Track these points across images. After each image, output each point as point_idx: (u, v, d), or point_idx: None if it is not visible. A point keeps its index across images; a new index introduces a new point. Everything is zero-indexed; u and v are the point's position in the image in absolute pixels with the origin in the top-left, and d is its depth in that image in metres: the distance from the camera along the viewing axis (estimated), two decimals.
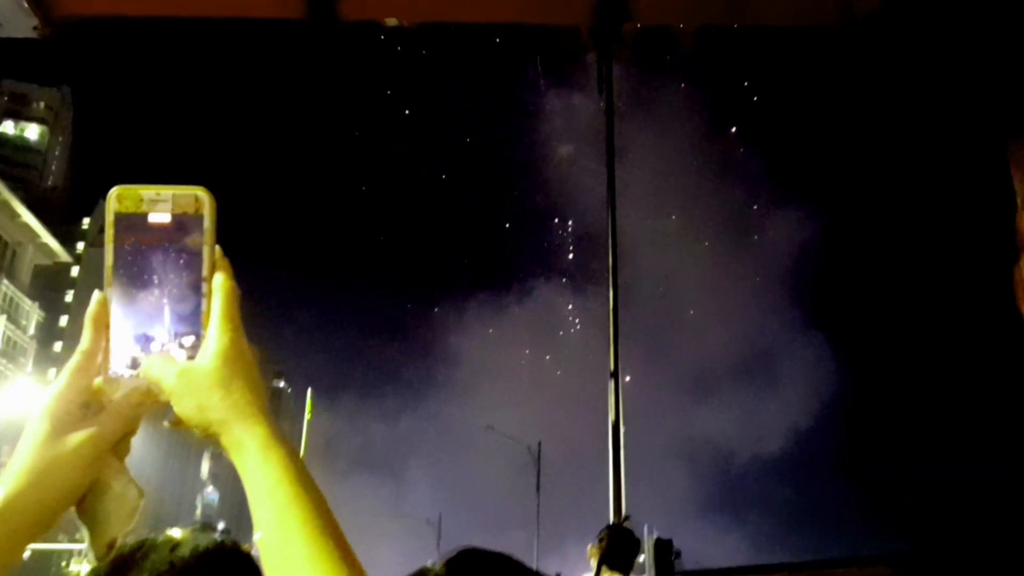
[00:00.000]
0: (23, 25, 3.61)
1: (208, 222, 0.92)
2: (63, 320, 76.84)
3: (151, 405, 0.92)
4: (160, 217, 0.92)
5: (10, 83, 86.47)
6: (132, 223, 0.92)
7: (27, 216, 58.02)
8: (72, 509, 0.92)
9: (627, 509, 6.72)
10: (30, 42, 3.74)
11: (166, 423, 0.92)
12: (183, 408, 0.89)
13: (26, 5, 3.54)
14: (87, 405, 0.91)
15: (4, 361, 57.44)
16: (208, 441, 0.90)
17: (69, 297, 78.63)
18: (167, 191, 0.93)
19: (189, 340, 0.92)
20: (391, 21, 4.59)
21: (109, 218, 0.92)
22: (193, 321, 0.92)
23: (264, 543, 0.86)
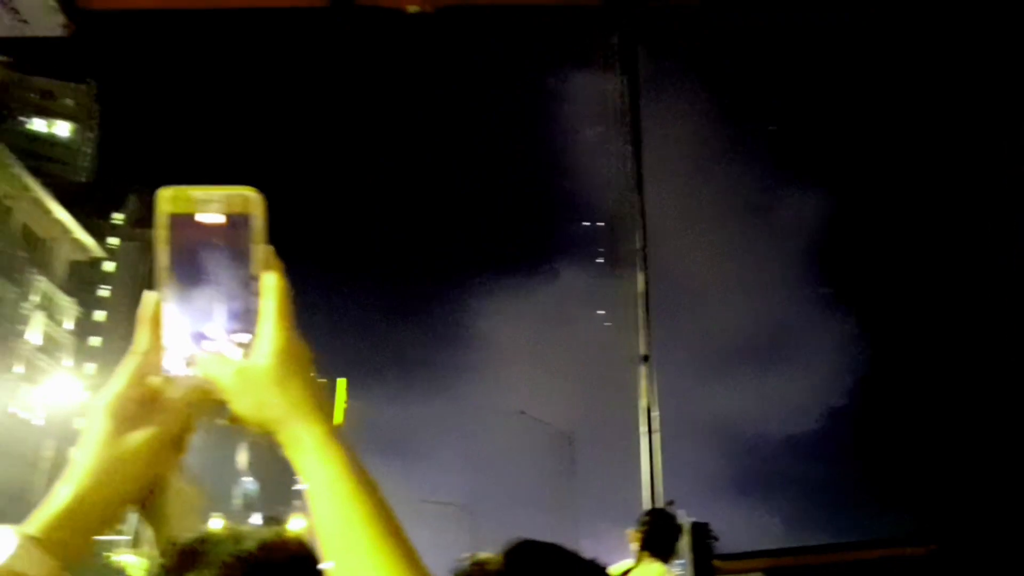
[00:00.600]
0: (51, 23, 3.65)
1: (258, 221, 0.93)
2: (99, 314, 77.91)
3: (208, 403, 0.93)
4: (211, 217, 0.93)
5: (39, 80, 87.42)
6: (183, 224, 0.92)
7: (59, 212, 58.78)
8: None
9: (662, 491, 6.70)
10: (57, 38, 3.78)
11: (221, 421, 0.94)
12: (240, 406, 0.91)
13: (54, 4, 3.57)
14: (146, 404, 0.93)
15: (44, 356, 58.36)
16: (265, 439, 0.92)
17: (103, 291, 79.69)
18: (217, 192, 0.94)
19: (243, 339, 0.93)
20: (412, 8, 4.59)
21: (161, 219, 0.92)
22: (246, 320, 0.93)
23: (326, 538, 0.86)
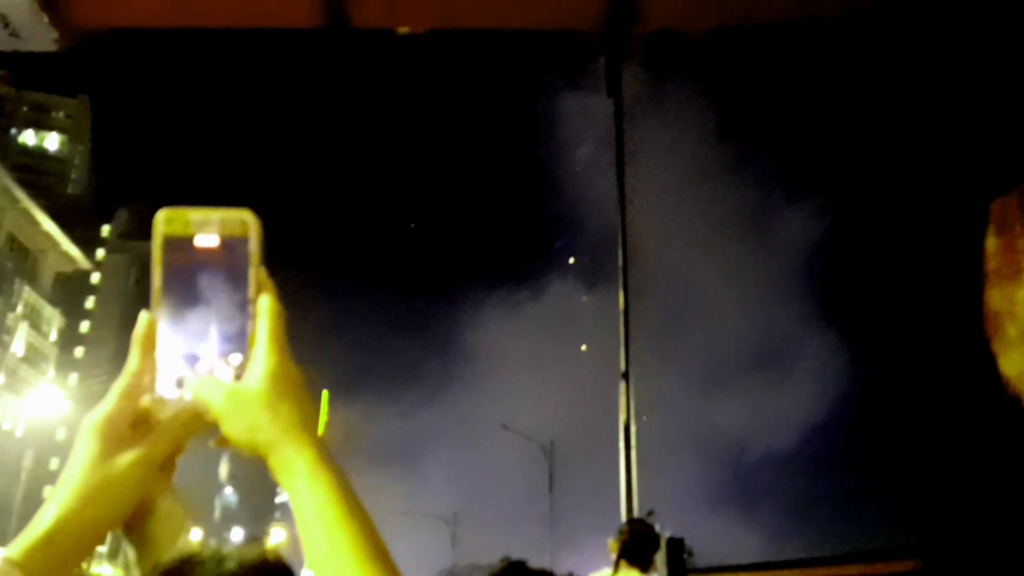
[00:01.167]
0: (43, 39, 3.67)
1: (254, 244, 0.94)
2: (84, 326, 77.40)
3: (199, 425, 0.93)
4: (207, 240, 0.93)
5: (31, 93, 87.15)
6: (179, 245, 0.93)
7: (48, 224, 58.45)
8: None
9: (639, 505, 6.75)
10: (50, 53, 3.81)
11: (212, 443, 0.94)
12: (231, 429, 0.90)
13: (46, 19, 3.61)
14: (136, 425, 0.92)
15: (26, 367, 57.88)
16: (253, 459, 0.91)
17: (89, 303, 79.21)
18: (214, 214, 0.94)
19: (236, 361, 0.92)
20: (403, 29, 4.65)
21: (157, 241, 0.93)
22: (240, 342, 0.93)
23: (314, 564, 0.87)
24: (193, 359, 0.93)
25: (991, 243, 0.56)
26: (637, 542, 4.90)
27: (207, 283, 0.93)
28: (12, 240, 55.67)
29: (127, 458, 0.90)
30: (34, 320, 59.90)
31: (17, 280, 55.93)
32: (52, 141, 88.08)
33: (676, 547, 6.32)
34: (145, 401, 0.92)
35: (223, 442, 0.92)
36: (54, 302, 63.20)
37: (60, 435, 56.74)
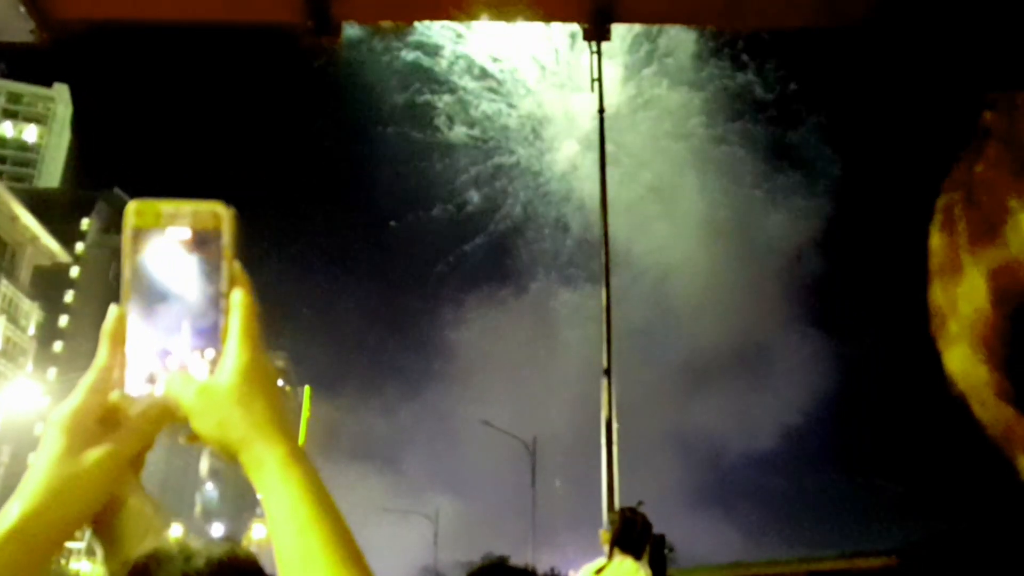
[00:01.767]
0: (21, 31, 3.65)
1: (227, 237, 0.91)
2: (63, 320, 76.79)
3: (169, 421, 0.90)
4: (179, 232, 0.91)
5: (8, 84, 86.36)
6: (151, 238, 0.90)
7: (26, 217, 57.97)
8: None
9: (620, 502, 6.79)
10: (28, 44, 3.78)
11: (182, 439, 0.91)
12: (202, 425, 0.88)
13: (23, 11, 3.58)
14: (104, 421, 0.89)
15: (4, 361, 57.40)
16: (226, 458, 0.89)
17: (68, 297, 78.61)
18: (186, 206, 0.92)
19: (208, 356, 0.90)
20: (387, 24, 4.65)
21: (127, 232, 0.90)
22: (212, 337, 0.90)
23: (283, 561, 0.85)
24: (164, 354, 0.90)
25: (935, 240, 0.56)
26: (629, 530, 4.90)
27: (179, 276, 0.90)
28: None
29: (94, 454, 0.88)
30: (12, 314, 59.41)
31: None
32: (31, 133, 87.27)
33: (657, 544, 6.35)
34: (114, 396, 0.90)
35: (193, 438, 0.89)
36: (33, 296, 62.73)
37: (38, 430, 56.24)
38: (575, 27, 5.27)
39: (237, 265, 0.92)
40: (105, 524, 0.93)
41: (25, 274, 61.22)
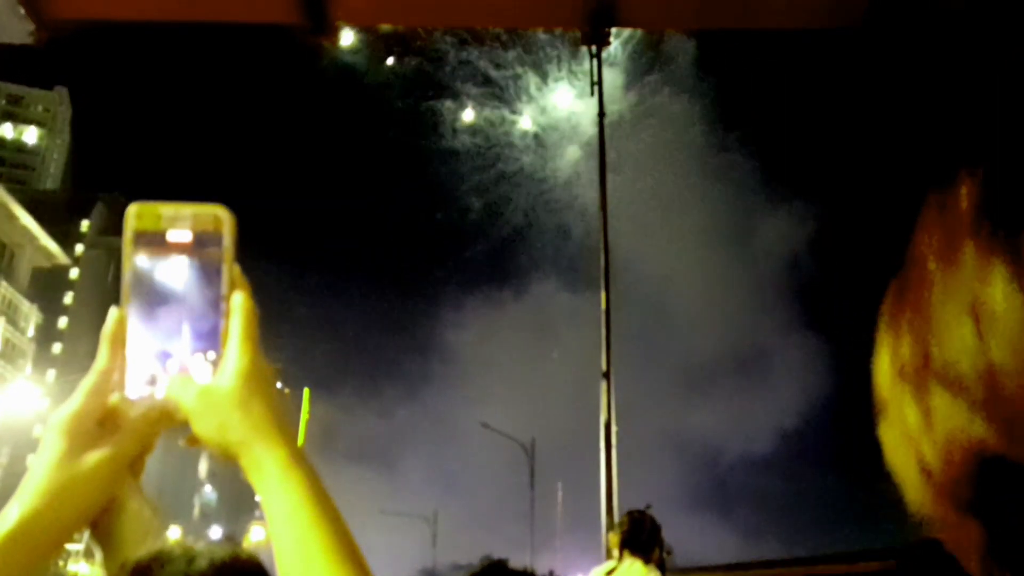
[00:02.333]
0: (19, 31, 3.65)
1: (227, 240, 0.91)
2: (62, 322, 76.79)
3: (169, 423, 0.90)
4: (179, 235, 0.91)
5: (8, 86, 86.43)
6: (151, 240, 0.91)
7: (25, 218, 57.98)
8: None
9: (619, 505, 6.78)
10: (27, 46, 3.78)
11: (182, 442, 0.91)
12: (202, 428, 0.88)
13: (22, 11, 3.58)
14: (103, 423, 0.89)
15: (3, 363, 57.39)
16: (226, 461, 0.89)
17: (67, 299, 78.60)
18: (187, 209, 0.92)
19: (208, 359, 0.90)
20: (385, 27, 4.63)
21: (128, 235, 0.90)
22: (211, 340, 0.91)
23: (283, 564, 0.85)
24: (164, 356, 0.90)
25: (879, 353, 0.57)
26: (638, 531, 4.88)
27: (179, 279, 0.91)
28: None
29: (94, 457, 0.88)
30: (11, 316, 59.41)
31: None
32: (30, 135, 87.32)
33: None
34: (114, 399, 0.90)
35: (193, 441, 0.89)
36: (31, 298, 62.72)
37: (37, 432, 56.25)
38: (575, 31, 5.25)
39: (237, 268, 0.92)
40: (104, 526, 0.93)
41: (24, 276, 61.21)
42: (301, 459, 0.89)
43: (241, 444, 0.88)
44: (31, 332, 63.41)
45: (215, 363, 0.90)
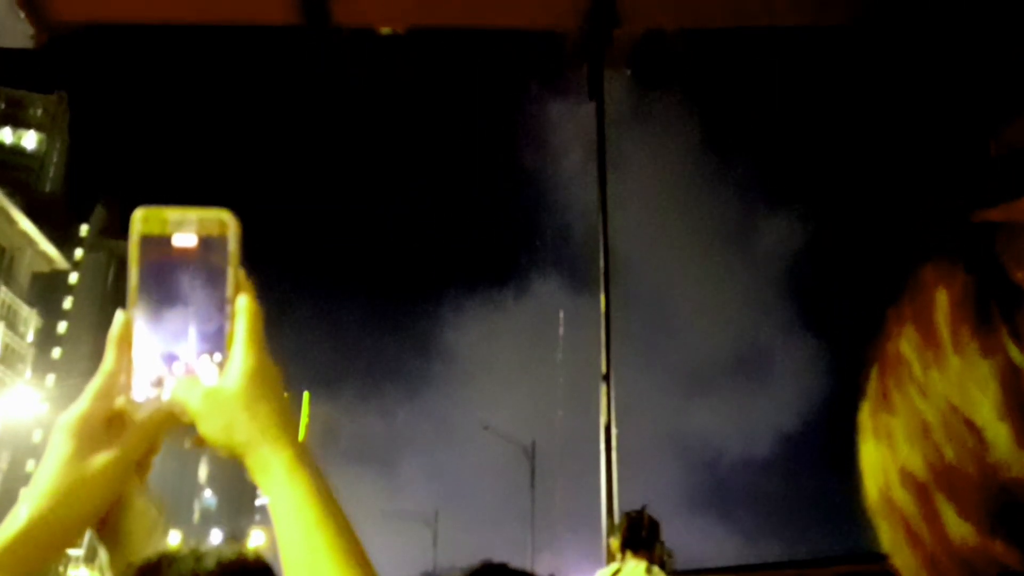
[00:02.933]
0: (18, 34, 3.64)
1: (233, 244, 0.93)
2: (61, 326, 76.79)
3: (175, 425, 0.92)
4: (185, 239, 0.92)
5: (7, 90, 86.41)
6: (157, 244, 0.92)
7: (24, 223, 57.98)
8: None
9: (619, 507, 6.78)
10: (26, 49, 3.77)
11: (188, 443, 0.92)
12: (208, 429, 0.89)
13: (21, 14, 3.57)
14: (110, 425, 0.91)
15: (2, 367, 57.36)
16: (231, 460, 0.90)
17: (67, 303, 78.60)
18: (192, 213, 0.93)
19: (214, 361, 0.91)
20: (385, 28, 4.64)
21: (134, 239, 0.91)
22: (217, 342, 0.92)
23: (290, 564, 0.86)
24: (170, 359, 0.92)
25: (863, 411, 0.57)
26: (636, 530, 4.87)
27: (184, 282, 0.92)
28: None
29: (101, 458, 0.89)
30: (10, 320, 59.40)
31: None
32: (29, 139, 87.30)
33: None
34: (120, 401, 0.91)
35: (199, 442, 0.90)
36: (31, 302, 62.71)
37: (36, 437, 56.25)
38: (577, 33, 5.24)
39: (242, 271, 0.93)
40: (111, 525, 0.94)
41: (23, 280, 61.21)
42: (307, 460, 0.90)
43: (247, 445, 0.89)
44: (30, 337, 63.40)
45: (221, 365, 0.91)
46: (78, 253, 78.99)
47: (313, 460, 0.91)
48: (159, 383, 0.91)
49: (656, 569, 4.75)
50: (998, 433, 0.44)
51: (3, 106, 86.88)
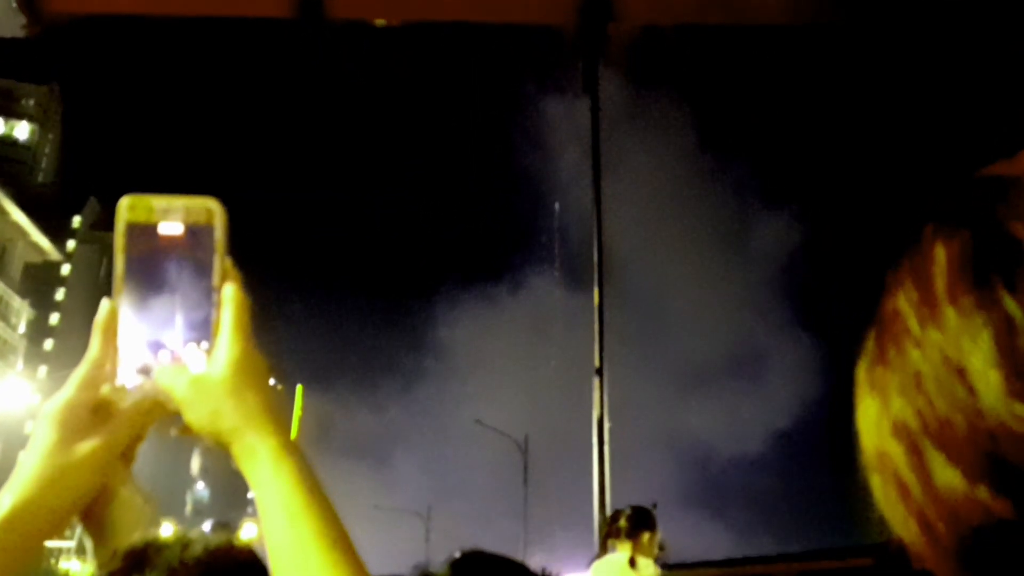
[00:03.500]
0: (12, 24, 3.63)
1: (219, 232, 0.92)
2: (53, 318, 76.54)
3: (160, 413, 0.91)
4: (171, 227, 0.92)
5: None
6: (143, 232, 0.91)
7: (17, 214, 57.83)
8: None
9: (611, 502, 6.79)
10: (19, 39, 3.77)
11: (174, 431, 0.92)
12: (194, 417, 0.89)
13: (14, 5, 3.56)
14: (96, 413, 0.90)
15: None
16: (218, 449, 0.89)
17: (59, 295, 78.36)
18: (178, 201, 0.92)
19: (200, 349, 0.91)
20: (379, 21, 4.63)
21: (120, 227, 0.91)
22: (204, 331, 0.91)
23: (275, 552, 0.85)
24: (156, 347, 0.91)
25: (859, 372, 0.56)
26: (613, 523, 4.82)
27: (171, 271, 0.91)
28: None
29: (86, 446, 0.88)
30: (2, 312, 59.25)
31: None
32: (21, 130, 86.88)
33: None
34: (105, 389, 0.90)
35: (186, 430, 0.90)
36: (23, 294, 62.58)
37: (28, 428, 56.05)
38: (571, 28, 5.22)
39: (229, 260, 0.92)
40: (96, 515, 0.94)
41: (15, 272, 61.06)
42: (294, 449, 0.90)
43: (233, 432, 0.88)
44: (22, 328, 63.27)
45: (207, 353, 0.91)
46: (70, 244, 78.69)
47: (300, 449, 0.90)
48: (145, 371, 0.91)
49: (643, 560, 4.69)
50: (988, 381, 0.45)
51: None
